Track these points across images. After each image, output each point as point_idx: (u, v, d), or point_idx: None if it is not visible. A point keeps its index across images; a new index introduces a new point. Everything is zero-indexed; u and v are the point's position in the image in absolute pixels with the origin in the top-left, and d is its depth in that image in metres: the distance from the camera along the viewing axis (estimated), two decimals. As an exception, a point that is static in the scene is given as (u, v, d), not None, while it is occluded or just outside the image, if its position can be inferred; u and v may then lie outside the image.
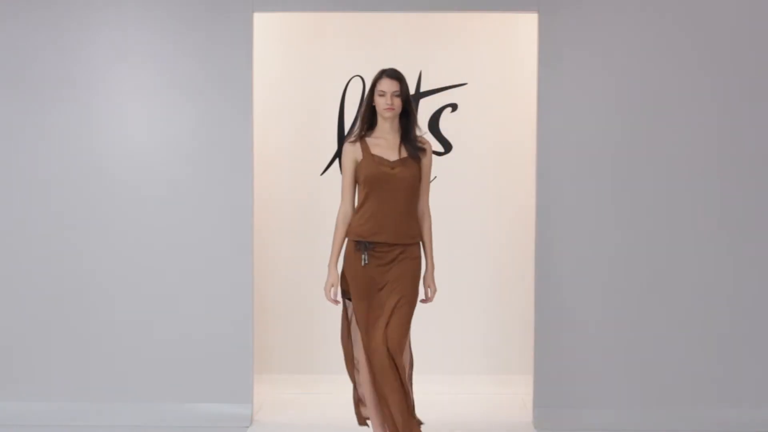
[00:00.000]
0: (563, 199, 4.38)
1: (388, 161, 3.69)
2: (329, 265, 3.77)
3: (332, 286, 3.75)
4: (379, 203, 3.67)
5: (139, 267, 4.46)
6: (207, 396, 4.46)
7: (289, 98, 5.32)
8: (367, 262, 3.67)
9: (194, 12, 4.40)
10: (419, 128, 3.80)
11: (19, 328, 4.48)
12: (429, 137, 4.76)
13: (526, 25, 4.97)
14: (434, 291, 3.87)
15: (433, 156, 3.95)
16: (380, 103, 3.70)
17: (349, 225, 3.74)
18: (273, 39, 5.23)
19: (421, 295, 3.82)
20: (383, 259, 3.69)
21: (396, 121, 3.74)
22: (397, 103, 3.69)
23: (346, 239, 3.76)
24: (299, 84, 5.32)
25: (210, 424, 4.42)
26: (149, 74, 4.43)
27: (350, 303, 3.78)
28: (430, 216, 3.84)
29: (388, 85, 3.69)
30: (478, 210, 5.29)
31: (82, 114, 4.43)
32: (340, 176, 3.90)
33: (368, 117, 3.77)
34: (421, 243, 3.81)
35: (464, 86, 5.28)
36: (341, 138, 5.17)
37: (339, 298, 3.77)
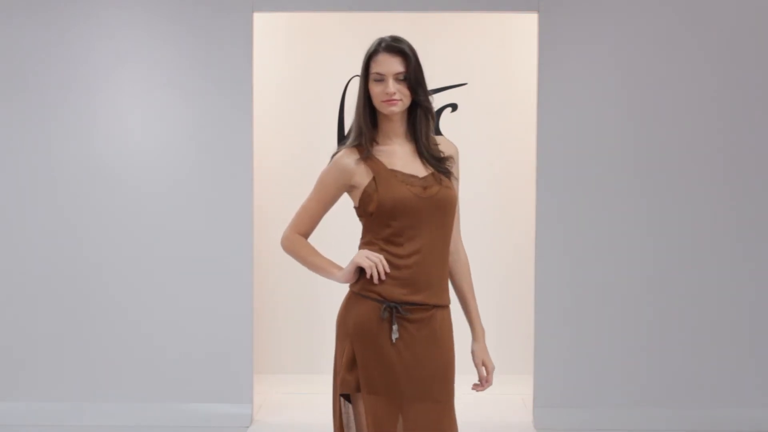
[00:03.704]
0: (563, 199, 4.38)
1: (416, 178, 2.39)
2: (335, 273, 2.56)
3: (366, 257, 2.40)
4: (414, 243, 2.37)
5: (139, 267, 4.46)
6: (207, 396, 4.46)
7: (289, 98, 5.33)
8: (398, 336, 2.37)
9: (194, 12, 4.40)
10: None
11: (19, 328, 4.47)
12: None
13: (526, 25, 4.98)
14: (491, 368, 2.53)
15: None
16: (377, 92, 2.38)
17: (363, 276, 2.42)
18: (273, 39, 5.24)
19: (464, 377, 2.57)
20: (415, 332, 2.39)
21: (404, 119, 2.44)
22: (403, 91, 2.37)
23: (359, 296, 2.47)
24: (299, 84, 5.33)
25: (210, 424, 4.42)
26: (149, 74, 4.43)
27: (349, 404, 2.49)
28: (466, 256, 2.60)
29: (386, 64, 2.36)
30: (478, 210, 5.29)
31: (83, 115, 4.43)
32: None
33: (369, 116, 2.43)
34: (460, 297, 2.60)
35: (464, 86, 5.29)
36: (341, 139, 5.17)
37: (385, 266, 2.38)
